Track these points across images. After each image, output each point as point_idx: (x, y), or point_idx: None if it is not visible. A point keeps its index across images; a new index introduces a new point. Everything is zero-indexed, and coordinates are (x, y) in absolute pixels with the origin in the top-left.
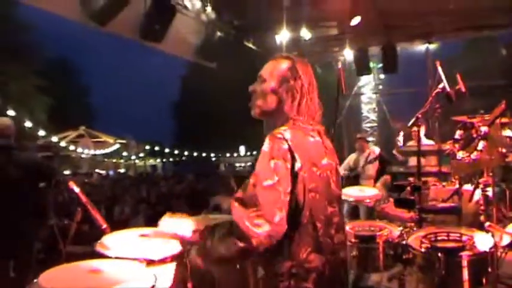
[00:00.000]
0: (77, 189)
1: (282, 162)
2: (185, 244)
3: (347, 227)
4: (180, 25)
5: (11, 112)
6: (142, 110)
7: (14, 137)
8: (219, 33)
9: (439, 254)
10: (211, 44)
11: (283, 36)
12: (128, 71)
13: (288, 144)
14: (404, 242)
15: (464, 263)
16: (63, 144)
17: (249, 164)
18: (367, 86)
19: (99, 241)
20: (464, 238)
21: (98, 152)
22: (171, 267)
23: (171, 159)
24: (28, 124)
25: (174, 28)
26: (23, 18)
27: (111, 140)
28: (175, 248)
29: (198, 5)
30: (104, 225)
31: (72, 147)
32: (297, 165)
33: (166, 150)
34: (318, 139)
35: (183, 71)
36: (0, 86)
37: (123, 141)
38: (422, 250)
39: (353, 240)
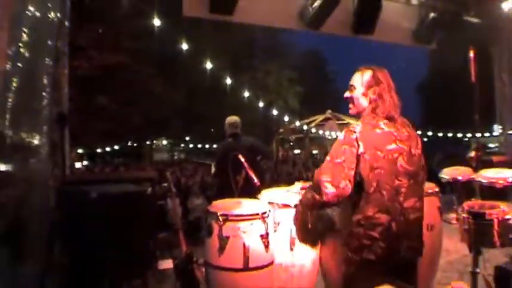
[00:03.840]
0: (242, 159)
1: (349, 148)
2: None
3: (464, 205)
4: (391, 13)
5: (260, 104)
6: None
7: (239, 127)
8: (432, 14)
9: None
10: (427, 26)
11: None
12: (372, 54)
13: (356, 135)
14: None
15: None
16: (305, 127)
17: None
18: None
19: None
20: None
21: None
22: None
23: None
24: (274, 112)
25: (385, 17)
26: None
27: (354, 122)
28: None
29: None
30: (257, 182)
31: (314, 130)
32: (360, 150)
33: None
34: (388, 130)
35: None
36: (259, 81)
37: None
38: None
39: (464, 215)
